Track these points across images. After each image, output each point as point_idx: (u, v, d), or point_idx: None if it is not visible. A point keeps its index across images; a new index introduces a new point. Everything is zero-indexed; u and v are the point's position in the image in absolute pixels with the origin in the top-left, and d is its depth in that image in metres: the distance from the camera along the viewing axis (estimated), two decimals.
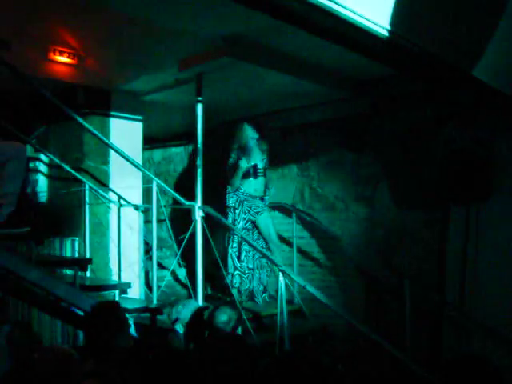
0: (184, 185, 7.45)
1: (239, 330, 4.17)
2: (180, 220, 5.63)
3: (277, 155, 6.25)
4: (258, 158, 5.90)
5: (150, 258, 5.13)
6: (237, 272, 5.74)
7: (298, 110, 6.37)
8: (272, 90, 5.61)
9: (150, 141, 7.38)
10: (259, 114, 6.34)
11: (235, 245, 5.80)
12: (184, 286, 6.21)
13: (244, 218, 5.78)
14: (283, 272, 4.28)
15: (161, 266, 6.79)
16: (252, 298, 5.81)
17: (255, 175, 5.84)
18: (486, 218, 4.93)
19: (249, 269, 5.79)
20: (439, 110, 5.18)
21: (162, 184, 4.90)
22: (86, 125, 4.45)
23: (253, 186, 5.86)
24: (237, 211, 5.76)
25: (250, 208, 5.79)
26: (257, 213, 5.82)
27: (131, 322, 3.88)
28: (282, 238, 6.46)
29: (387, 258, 5.67)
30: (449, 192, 5.03)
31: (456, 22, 4.01)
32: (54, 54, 4.56)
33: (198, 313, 4.00)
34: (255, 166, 5.84)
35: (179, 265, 5.58)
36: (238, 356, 2.70)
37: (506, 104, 4.78)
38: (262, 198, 5.93)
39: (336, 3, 3.05)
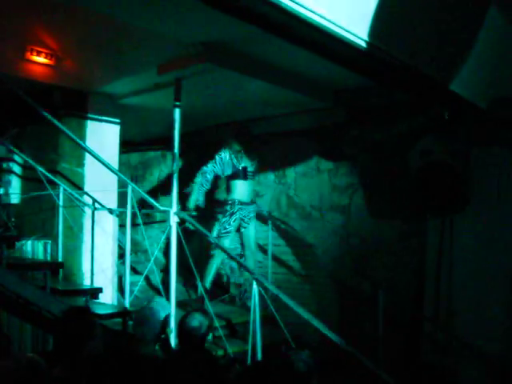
0: (160, 190, 7.41)
1: (210, 336, 4.14)
2: None
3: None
4: (248, 162, 5.91)
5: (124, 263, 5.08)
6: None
7: (276, 117, 6.39)
8: (251, 97, 5.62)
9: (128, 144, 7.32)
10: (238, 121, 6.34)
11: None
12: (158, 291, 6.16)
13: (241, 226, 5.79)
14: (257, 280, 4.26)
15: (135, 271, 6.73)
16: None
17: (245, 177, 5.84)
18: (461, 230, 4.98)
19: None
20: (416, 122, 5.23)
21: (138, 189, 4.85)
22: (62, 127, 4.41)
23: (242, 189, 5.86)
24: (230, 218, 5.74)
25: (245, 217, 5.79)
26: (249, 219, 5.82)
27: (101, 327, 3.83)
28: (257, 245, 6.46)
29: (362, 268, 5.69)
30: (425, 203, 5.08)
31: (435, 36, 4.06)
32: (31, 54, 4.51)
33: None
34: (245, 168, 5.82)
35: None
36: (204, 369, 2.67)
37: (481, 117, 4.86)
38: (252, 202, 5.94)
39: (314, 13, 3.06)
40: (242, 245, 5.92)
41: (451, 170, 4.82)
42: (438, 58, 4.18)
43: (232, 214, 5.78)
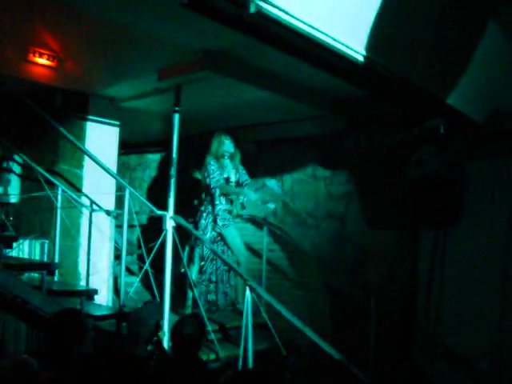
0: (158, 192, 7.45)
1: (203, 341, 4.18)
2: (153, 226, 5.62)
3: (251, 168, 6.28)
4: (230, 171, 5.91)
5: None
6: (200, 283, 5.74)
7: (274, 124, 6.45)
8: (250, 103, 5.66)
9: (127, 146, 7.37)
10: (237, 126, 6.37)
11: (196, 256, 5.78)
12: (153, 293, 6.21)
13: (213, 230, 5.77)
14: (250, 286, 4.32)
15: (130, 272, 6.78)
16: (212, 312, 5.77)
17: None
18: (454, 242, 5.04)
19: (211, 281, 5.79)
20: (413, 133, 5.29)
21: (135, 192, 4.90)
22: (62, 129, 4.46)
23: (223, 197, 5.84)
24: (204, 222, 5.74)
25: (218, 214, 5.77)
26: (223, 225, 5.79)
27: (92, 327, 3.88)
28: (252, 250, 6.51)
29: (355, 275, 5.74)
30: (419, 215, 5.13)
31: (432, 51, 4.11)
32: (34, 56, 4.54)
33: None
34: (227, 179, 5.84)
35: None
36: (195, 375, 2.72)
37: (476, 130, 4.92)
38: (230, 212, 5.92)
39: (312, 27, 3.12)
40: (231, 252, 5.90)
41: (446, 182, 4.87)
42: (435, 72, 4.24)
43: (203, 212, 5.78)
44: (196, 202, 6.45)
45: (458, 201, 4.90)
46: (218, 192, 5.72)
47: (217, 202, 5.73)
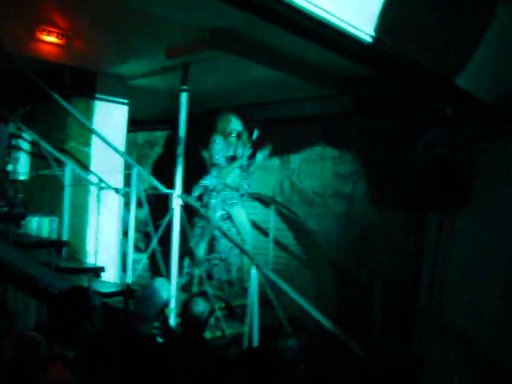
0: (166, 169, 7.47)
1: (212, 320, 4.24)
2: (161, 203, 5.65)
3: (259, 147, 6.28)
4: (237, 149, 5.91)
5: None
6: (209, 262, 5.80)
7: (282, 103, 6.42)
8: (257, 82, 5.64)
9: (135, 123, 7.37)
10: (244, 105, 6.37)
11: (207, 234, 5.82)
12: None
13: (222, 208, 5.80)
14: (256, 265, 4.36)
15: (138, 250, 6.84)
16: (221, 290, 5.85)
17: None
18: (461, 224, 5.02)
19: (221, 259, 5.84)
20: (421, 115, 5.25)
21: (142, 171, 4.94)
22: (70, 108, 4.48)
23: (231, 176, 5.89)
24: (214, 200, 5.77)
25: (227, 198, 5.82)
26: (232, 204, 5.83)
27: (100, 304, 3.93)
28: (259, 229, 6.55)
29: (361, 256, 5.77)
30: (426, 196, 5.12)
31: (442, 31, 4.07)
32: (42, 34, 4.54)
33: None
34: (234, 157, 5.87)
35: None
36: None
37: (485, 112, 4.87)
38: (237, 189, 5.95)
39: (320, 8, 3.10)
40: (238, 230, 5.95)
41: (453, 165, 4.85)
42: (444, 53, 4.20)
43: (212, 191, 5.79)
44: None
45: (466, 184, 4.88)
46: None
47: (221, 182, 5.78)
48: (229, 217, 5.85)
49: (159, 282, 4.18)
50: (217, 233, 5.78)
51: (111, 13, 4.19)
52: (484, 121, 4.97)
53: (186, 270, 5.80)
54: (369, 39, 3.51)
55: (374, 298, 5.17)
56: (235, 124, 5.83)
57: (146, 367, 3.11)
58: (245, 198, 6.04)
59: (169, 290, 4.35)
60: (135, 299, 4.13)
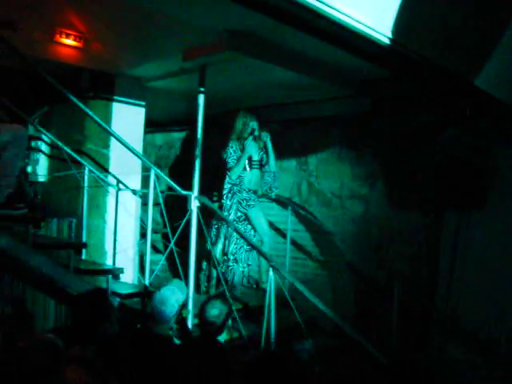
0: (184, 170, 7.50)
1: (229, 322, 4.24)
2: (178, 204, 5.68)
3: (276, 148, 6.27)
4: (253, 150, 5.93)
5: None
6: (223, 264, 5.81)
7: (299, 104, 6.40)
8: (275, 83, 5.63)
9: (153, 124, 7.42)
10: (262, 106, 6.38)
11: (222, 235, 5.85)
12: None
13: (237, 210, 5.82)
14: (273, 267, 4.36)
15: (156, 250, 6.88)
16: (234, 291, 5.83)
17: (249, 167, 5.87)
18: (478, 225, 4.99)
19: (235, 261, 5.85)
20: (439, 115, 5.22)
21: (161, 173, 4.94)
22: (88, 110, 4.50)
23: (248, 177, 5.88)
24: (229, 202, 5.79)
25: (242, 200, 5.83)
26: (248, 205, 5.84)
27: (118, 305, 3.96)
28: (277, 230, 6.55)
29: (378, 257, 5.75)
30: (443, 197, 5.09)
31: (460, 32, 4.04)
32: (61, 37, 4.56)
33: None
34: (250, 158, 5.87)
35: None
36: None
37: (504, 113, 4.83)
38: (254, 192, 5.95)
39: (337, 10, 3.10)
40: (255, 232, 5.97)
41: (471, 165, 4.82)
42: (462, 53, 4.17)
43: (228, 193, 5.83)
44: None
45: (484, 184, 4.84)
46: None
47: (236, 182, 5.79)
48: (246, 218, 5.87)
49: (176, 284, 4.20)
50: (231, 234, 5.80)
51: (128, 15, 4.21)
52: (502, 120, 4.92)
53: (204, 272, 5.83)
54: (386, 41, 3.51)
55: (391, 299, 5.14)
56: (251, 126, 5.83)
57: (161, 368, 3.13)
58: (263, 198, 6.05)
59: (185, 291, 4.37)
60: (151, 300, 4.15)
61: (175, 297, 3.90)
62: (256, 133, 5.85)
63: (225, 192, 5.83)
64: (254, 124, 5.83)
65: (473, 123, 4.89)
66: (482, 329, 4.84)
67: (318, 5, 2.98)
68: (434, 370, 4.99)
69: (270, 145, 5.94)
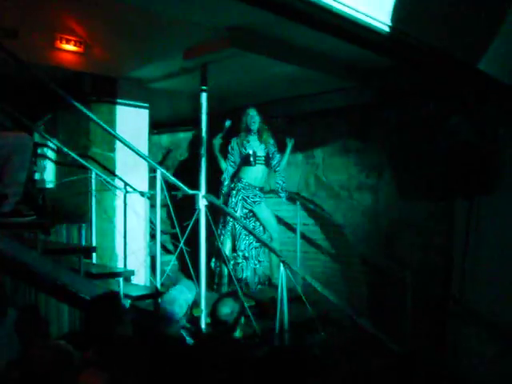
0: (190, 170, 7.49)
1: (242, 320, 4.24)
2: (186, 204, 5.69)
3: (282, 143, 6.26)
4: (257, 146, 5.92)
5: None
6: (233, 261, 5.81)
7: (304, 97, 6.37)
8: (278, 78, 5.60)
9: (158, 125, 7.42)
10: (265, 101, 6.35)
11: (229, 233, 5.85)
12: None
13: (242, 207, 5.82)
14: (284, 262, 4.35)
15: (167, 251, 6.88)
16: (247, 288, 5.85)
17: (254, 162, 5.87)
18: (490, 211, 4.95)
19: (244, 258, 5.85)
20: (444, 102, 5.18)
21: (167, 173, 4.94)
22: (91, 115, 4.51)
23: (253, 174, 5.88)
24: (234, 199, 5.79)
25: (248, 197, 5.82)
26: (254, 202, 5.83)
27: (130, 307, 3.96)
28: (286, 225, 6.54)
29: (390, 248, 5.71)
30: (452, 184, 5.06)
31: (461, 16, 4.01)
32: (61, 42, 4.56)
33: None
34: (254, 154, 5.86)
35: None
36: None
37: (509, 97, 4.78)
38: (260, 188, 5.95)
39: (338, 2, 3.08)
40: (264, 228, 5.97)
41: (479, 151, 4.78)
42: (464, 38, 4.14)
43: (232, 190, 5.85)
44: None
45: (492, 169, 4.80)
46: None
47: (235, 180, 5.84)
48: (253, 215, 5.87)
49: (184, 283, 4.21)
50: (239, 231, 5.80)
51: (127, 18, 4.20)
52: (508, 105, 4.88)
53: (216, 270, 5.84)
54: (387, 29, 3.48)
55: (405, 289, 5.12)
56: (251, 119, 5.84)
57: (176, 369, 3.12)
58: (284, 194, 6.06)
59: (194, 290, 4.37)
60: (162, 301, 4.16)
61: (184, 296, 3.91)
62: (256, 126, 5.85)
63: (225, 190, 5.86)
64: (254, 118, 5.83)
65: (478, 108, 4.84)
66: (498, 317, 4.79)
67: None
68: (450, 361, 4.95)
69: (289, 149, 6.00)
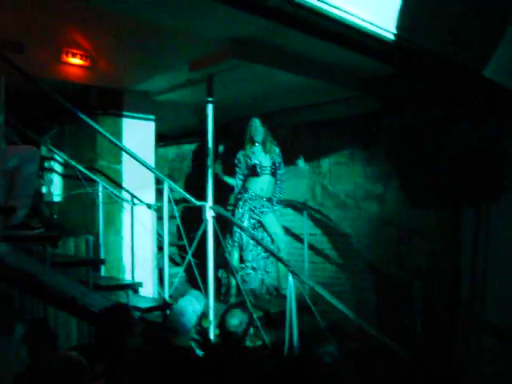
0: (197, 182, 7.51)
1: (251, 331, 4.22)
2: (193, 216, 5.69)
3: (288, 152, 6.26)
4: (262, 156, 5.93)
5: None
6: (241, 272, 5.80)
7: (308, 107, 6.38)
8: (282, 88, 5.61)
9: (164, 138, 7.45)
10: (271, 112, 6.37)
11: (237, 244, 5.84)
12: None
13: (250, 217, 5.82)
14: (292, 272, 4.33)
15: (174, 263, 6.87)
16: (255, 299, 5.82)
17: (260, 173, 5.87)
18: (497, 217, 4.93)
19: (252, 268, 5.84)
20: (449, 109, 5.18)
21: (173, 185, 4.94)
22: (98, 127, 4.52)
23: (259, 184, 5.88)
24: (241, 210, 5.79)
25: (255, 208, 5.82)
26: (261, 212, 5.83)
27: (139, 319, 3.94)
28: (293, 235, 6.53)
29: (398, 256, 5.69)
30: (459, 191, 5.05)
31: (465, 23, 4.02)
32: (67, 56, 4.58)
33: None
34: (259, 164, 5.86)
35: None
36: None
37: None
38: (268, 199, 5.94)
39: (342, 10, 3.08)
40: (271, 239, 5.96)
41: (485, 157, 4.77)
42: (468, 45, 4.14)
43: (239, 201, 5.86)
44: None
45: (499, 175, 4.79)
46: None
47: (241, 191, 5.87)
48: (261, 225, 5.87)
49: (193, 295, 4.20)
50: (246, 242, 5.79)
51: (133, 31, 4.23)
52: None
53: (223, 281, 5.83)
54: (391, 37, 3.49)
55: (413, 297, 5.09)
56: (255, 130, 5.86)
57: (184, 380, 3.11)
58: (278, 205, 6.05)
59: (203, 301, 4.36)
60: (170, 313, 4.15)
61: (192, 307, 3.90)
62: (260, 137, 5.86)
63: (231, 201, 5.89)
64: (258, 128, 5.85)
65: (485, 115, 4.84)
66: (510, 325, 4.75)
67: (321, 5, 2.97)
68: (461, 368, 4.91)
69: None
